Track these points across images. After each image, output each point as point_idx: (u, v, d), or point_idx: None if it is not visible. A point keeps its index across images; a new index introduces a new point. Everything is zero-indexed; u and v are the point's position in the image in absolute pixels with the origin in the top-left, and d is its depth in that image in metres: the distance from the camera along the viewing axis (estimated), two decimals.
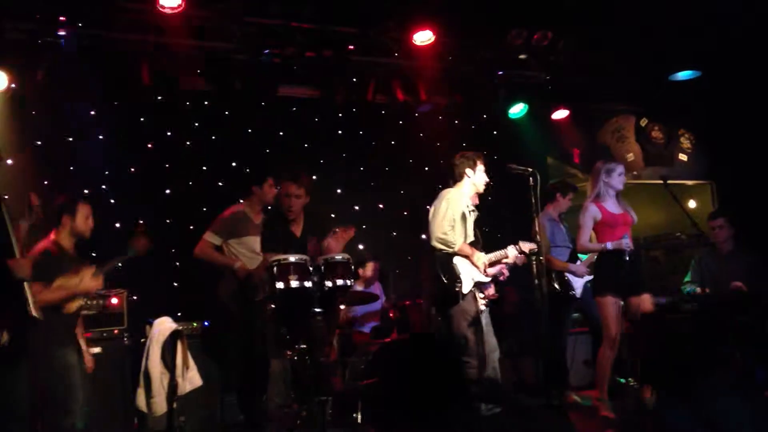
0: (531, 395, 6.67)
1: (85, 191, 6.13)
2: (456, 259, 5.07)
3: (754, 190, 7.32)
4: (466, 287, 5.02)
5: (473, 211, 5.30)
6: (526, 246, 5.39)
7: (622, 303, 5.22)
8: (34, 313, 3.61)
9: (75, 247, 4.60)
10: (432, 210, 5.21)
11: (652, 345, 2.25)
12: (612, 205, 5.35)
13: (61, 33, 5.76)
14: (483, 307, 5.57)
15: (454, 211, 5.10)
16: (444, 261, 5.06)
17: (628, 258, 5.20)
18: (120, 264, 4.74)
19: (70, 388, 4.38)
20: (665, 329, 2.21)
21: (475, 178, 5.28)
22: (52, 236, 4.50)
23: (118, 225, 6.37)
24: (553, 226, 6.26)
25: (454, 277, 5.01)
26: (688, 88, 7.68)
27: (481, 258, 5.12)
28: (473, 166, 5.26)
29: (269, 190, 5.62)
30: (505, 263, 6.02)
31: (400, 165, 7.97)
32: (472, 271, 5.12)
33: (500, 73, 7.40)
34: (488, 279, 5.24)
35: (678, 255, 7.49)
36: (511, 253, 5.27)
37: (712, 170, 8.34)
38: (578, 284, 6.10)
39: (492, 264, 5.25)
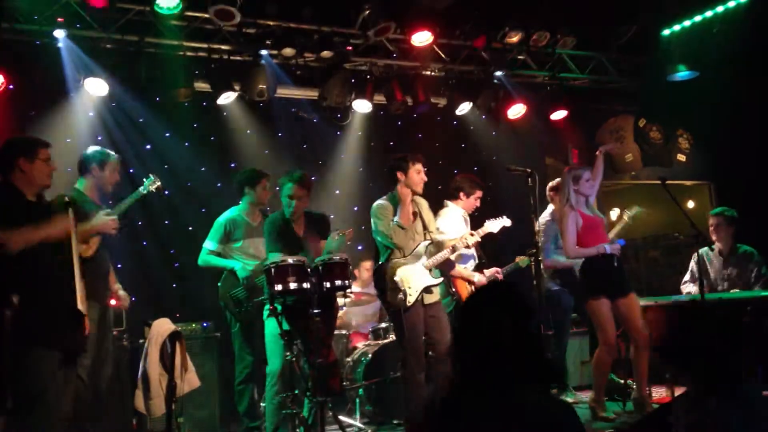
0: None
1: None
2: (400, 270, 4.97)
3: (752, 191, 7.33)
4: (412, 297, 4.92)
5: (416, 212, 5.17)
6: (495, 225, 5.34)
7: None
8: (80, 307, 3.63)
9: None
10: None
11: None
12: (585, 209, 5.36)
13: (59, 34, 5.76)
14: None
15: (377, 226, 5.05)
16: (386, 273, 4.99)
17: (616, 263, 5.25)
18: (132, 202, 4.85)
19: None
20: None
21: (409, 181, 5.07)
22: (77, 185, 4.74)
23: None
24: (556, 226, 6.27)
25: (397, 290, 4.92)
26: (686, 88, 7.69)
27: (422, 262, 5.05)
28: (404, 169, 5.07)
29: (262, 192, 5.60)
30: (500, 270, 6.03)
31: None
32: (420, 278, 5.01)
33: (499, 73, 7.40)
34: (439, 280, 5.13)
35: (677, 255, 7.51)
36: (471, 239, 5.19)
37: (711, 170, 8.35)
38: None
39: (449, 255, 5.17)
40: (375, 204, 5.16)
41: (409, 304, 4.88)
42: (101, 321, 4.59)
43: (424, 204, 5.29)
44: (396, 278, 4.92)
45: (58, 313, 3.56)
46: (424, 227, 5.19)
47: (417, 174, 5.08)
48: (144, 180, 4.96)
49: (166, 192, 5.18)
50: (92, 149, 4.85)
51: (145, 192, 4.89)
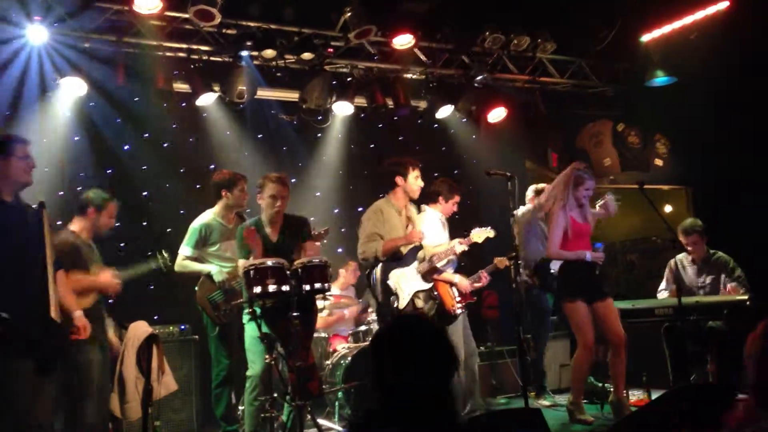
0: (510, 398, 6.72)
1: (60, 193, 6.09)
2: (393, 273, 5.00)
3: (728, 195, 7.41)
4: (404, 301, 4.96)
5: (410, 217, 5.24)
6: (481, 235, 5.36)
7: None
8: (53, 315, 3.56)
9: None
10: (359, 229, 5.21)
11: None
12: (577, 215, 5.33)
13: (37, 32, 5.69)
14: (459, 311, 5.58)
15: (375, 226, 5.08)
16: (377, 277, 5.03)
17: (596, 270, 5.29)
18: (140, 274, 5.00)
19: (87, 384, 4.39)
20: None
21: (407, 186, 5.21)
22: (72, 225, 4.63)
23: None
24: (537, 226, 6.29)
25: (390, 293, 4.95)
26: (664, 94, 7.77)
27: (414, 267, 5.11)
28: (405, 174, 5.20)
29: (240, 194, 5.56)
30: (487, 274, 6.04)
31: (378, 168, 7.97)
32: (411, 282, 5.05)
33: (479, 77, 7.42)
34: (429, 285, 5.16)
35: (654, 259, 7.57)
36: (459, 248, 5.24)
37: (688, 175, 8.43)
38: None
39: (436, 263, 5.21)
40: (372, 206, 5.20)
41: (401, 307, 4.91)
42: (104, 364, 4.57)
43: (413, 211, 5.37)
44: (389, 281, 4.95)
45: (30, 322, 3.45)
46: None
47: (415, 180, 5.21)
48: (157, 254, 5.20)
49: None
50: (94, 192, 4.75)
51: (154, 267, 5.09)
